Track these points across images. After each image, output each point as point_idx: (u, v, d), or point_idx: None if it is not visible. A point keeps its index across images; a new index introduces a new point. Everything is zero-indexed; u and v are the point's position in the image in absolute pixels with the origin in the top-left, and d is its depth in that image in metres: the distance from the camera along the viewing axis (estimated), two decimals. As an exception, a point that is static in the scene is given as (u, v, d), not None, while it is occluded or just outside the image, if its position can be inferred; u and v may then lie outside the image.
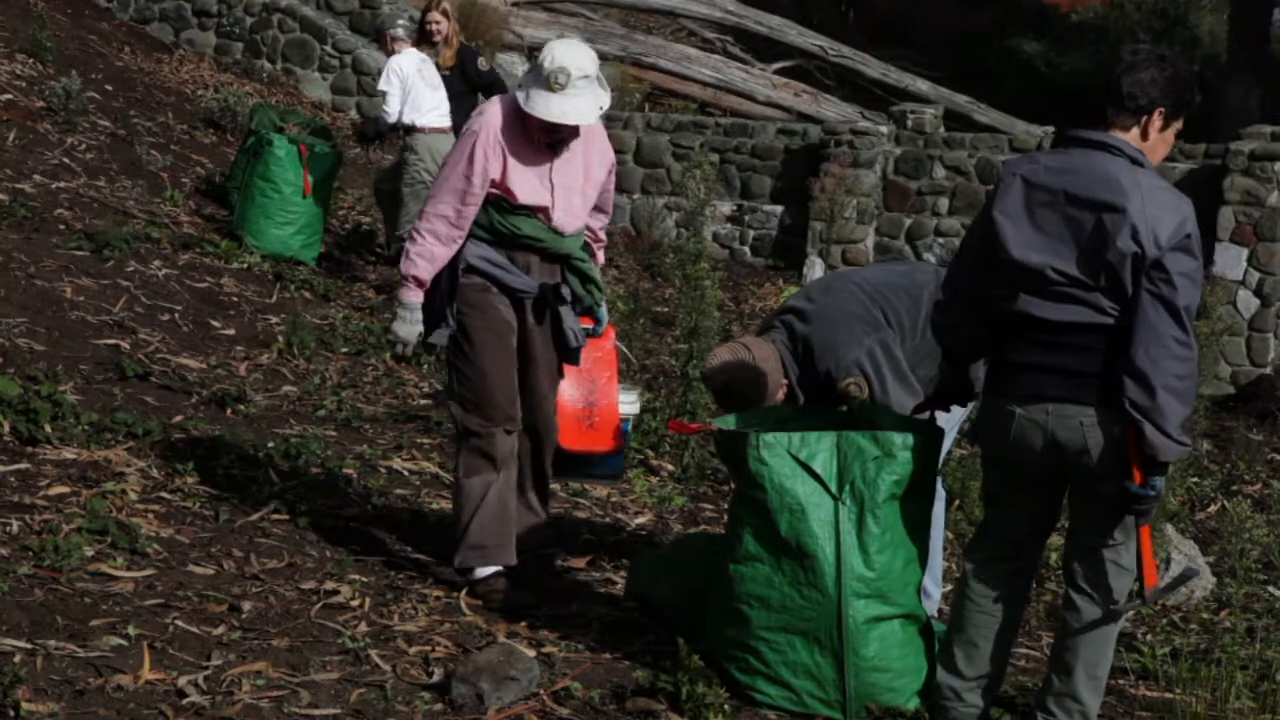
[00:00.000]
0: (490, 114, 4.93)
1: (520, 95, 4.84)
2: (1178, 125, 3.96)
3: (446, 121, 9.50)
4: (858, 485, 4.16)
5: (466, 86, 9.93)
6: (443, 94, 9.53)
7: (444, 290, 4.98)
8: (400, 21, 9.86)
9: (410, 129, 9.44)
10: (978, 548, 4.16)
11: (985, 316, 4.00)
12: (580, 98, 4.79)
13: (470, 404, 4.99)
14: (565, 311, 5.07)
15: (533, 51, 16.29)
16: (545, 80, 4.76)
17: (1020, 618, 4.21)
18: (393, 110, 9.41)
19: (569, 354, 5.13)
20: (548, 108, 4.77)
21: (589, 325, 5.22)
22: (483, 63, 10.09)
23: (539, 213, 4.95)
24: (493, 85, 9.93)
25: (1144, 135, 3.90)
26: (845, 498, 4.17)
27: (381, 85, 9.52)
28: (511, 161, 4.88)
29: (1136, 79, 3.86)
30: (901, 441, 4.19)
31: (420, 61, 9.56)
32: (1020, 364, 3.92)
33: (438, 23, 9.90)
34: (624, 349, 6.57)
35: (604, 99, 4.88)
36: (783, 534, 4.18)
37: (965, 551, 4.26)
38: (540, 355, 5.09)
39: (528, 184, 4.91)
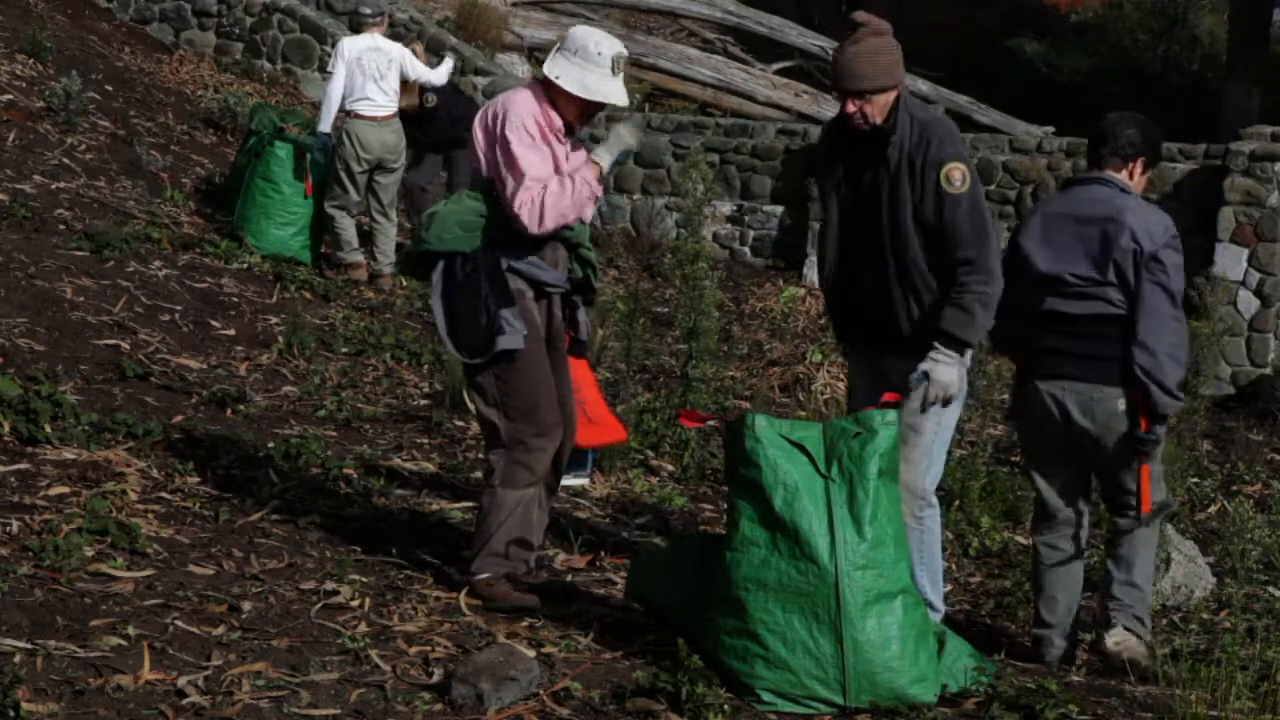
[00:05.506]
0: (522, 105, 4.80)
1: (571, 83, 4.75)
2: (1151, 173, 5.18)
3: (379, 112, 9.63)
4: (845, 463, 4.31)
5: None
6: (379, 85, 9.61)
7: (490, 294, 4.73)
8: (377, 6, 10.00)
9: (345, 113, 9.60)
10: (1037, 520, 5.21)
11: (1020, 323, 5.00)
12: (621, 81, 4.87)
13: (517, 412, 4.83)
14: (581, 304, 5.05)
15: (533, 52, 16.30)
16: (609, 65, 4.79)
17: (1082, 570, 5.18)
18: (335, 94, 9.55)
19: (576, 347, 5.10)
20: (611, 91, 4.80)
21: None
22: (430, 99, 10.17)
23: None
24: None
25: (1130, 175, 5.08)
26: (834, 475, 4.30)
27: (330, 68, 9.74)
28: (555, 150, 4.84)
29: (1126, 133, 5.05)
30: (880, 418, 4.38)
31: (365, 50, 9.64)
32: (1045, 349, 5.01)
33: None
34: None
35: None
36: (777, 509, 4.26)
37: (1031, 529, 5.34)
38: (561, 352, 5.01)
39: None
